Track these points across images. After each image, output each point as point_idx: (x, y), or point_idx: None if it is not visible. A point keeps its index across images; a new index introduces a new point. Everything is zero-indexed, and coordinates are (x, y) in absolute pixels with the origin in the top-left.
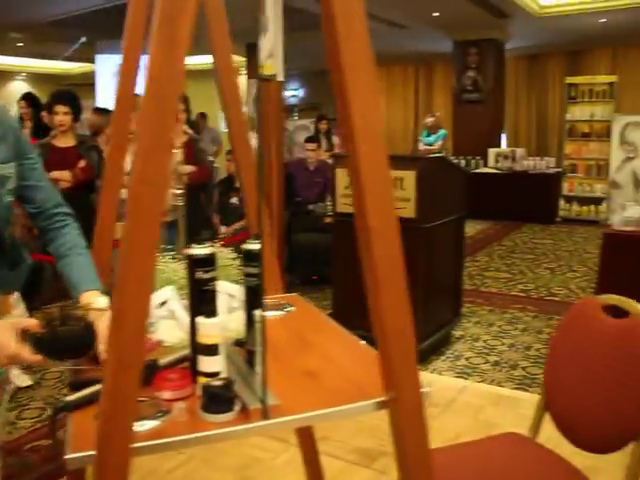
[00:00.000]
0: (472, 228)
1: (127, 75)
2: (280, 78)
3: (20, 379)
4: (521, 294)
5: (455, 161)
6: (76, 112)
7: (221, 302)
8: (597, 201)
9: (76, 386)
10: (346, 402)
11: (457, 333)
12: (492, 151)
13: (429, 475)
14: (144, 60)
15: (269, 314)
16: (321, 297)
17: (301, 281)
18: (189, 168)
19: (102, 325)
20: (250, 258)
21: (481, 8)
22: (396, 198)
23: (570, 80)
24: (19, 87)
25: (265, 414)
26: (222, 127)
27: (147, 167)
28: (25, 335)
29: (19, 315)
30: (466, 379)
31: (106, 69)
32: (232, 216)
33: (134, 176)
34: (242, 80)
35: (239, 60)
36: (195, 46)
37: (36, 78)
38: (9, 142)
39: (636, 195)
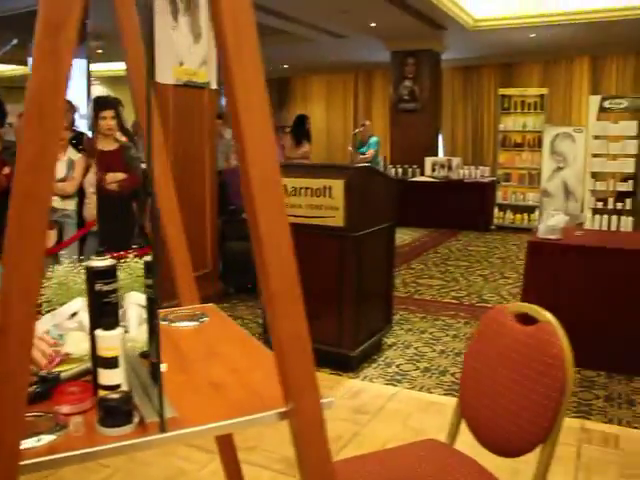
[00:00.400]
0: (408, 236)
1: None
2: (213, 86)
3: None
4: (454, 301)
5: (392, 169)
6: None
7: (132, 314)
8: (530, 209)
9: None
10: (247, 413)
11: (389, 340)
12: (429, 160)
13: None
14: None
15: (182, 325)
16: (255, 305)
17: (236, 289)
18: (120, 176)
19: None
20: (148, 269)
21: (417, 19)
22: (325, 207)
23: (503, 92)
24: None
25: (162, 427)
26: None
27: (30, 180)
28: None
29: None
30: (396, 386)
31: None
32: None
33: (15, 189)
34: None
35: None
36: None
37: None
38: None
39: (566, 204)
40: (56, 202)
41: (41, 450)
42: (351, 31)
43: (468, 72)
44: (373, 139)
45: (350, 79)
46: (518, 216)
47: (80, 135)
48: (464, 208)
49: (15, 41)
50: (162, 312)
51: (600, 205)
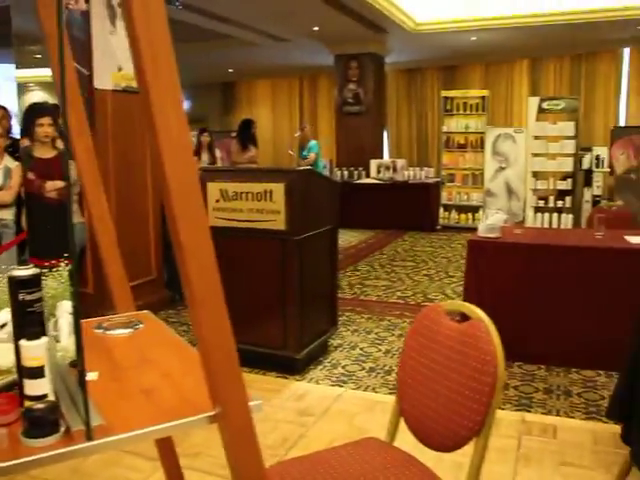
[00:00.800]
0: (355, 238)
1: None
2: None
3: None
4: (400, 301)
5: (338, 172)
6: None
7: (64, 322)
8: (474, 209)
9: None
10: (177, 418)
11: (335, 342)
12: (374, 162)
13: None
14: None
15: (117, 332)
16: None
17: (181, 296)
18: (59, 184)
19: None
20: (71, 278)
21: (359, 23)
22: (266, 211)
23: (446, 94)
24: None
25: (89, 435)
26: None
27: None
28: None
29: None
30: (342, 387)
31: None
32: None
33: None
34: None
35: None
36: None
37: None
38: None
39: (509, 203)
40: None
41: None
42: (294, 35)
43: (411, 75)
44: (312, 142)
45: (295, 83)
46: (463, 216)
47: (17, 142)
48: (410, 209)
49: None
50: (97, 320)
51: (542, 203)
